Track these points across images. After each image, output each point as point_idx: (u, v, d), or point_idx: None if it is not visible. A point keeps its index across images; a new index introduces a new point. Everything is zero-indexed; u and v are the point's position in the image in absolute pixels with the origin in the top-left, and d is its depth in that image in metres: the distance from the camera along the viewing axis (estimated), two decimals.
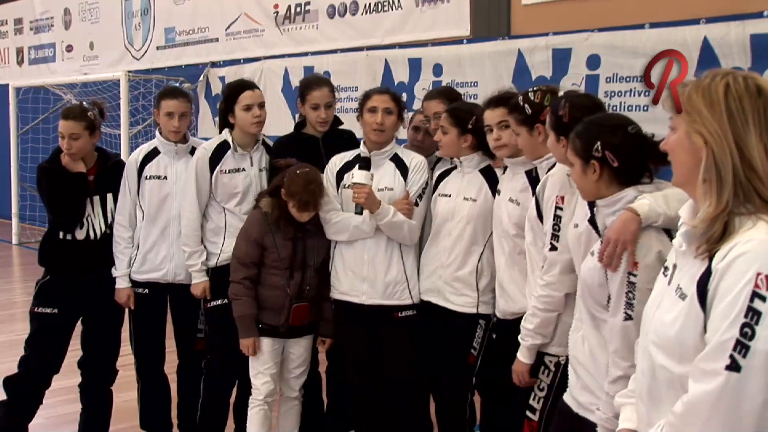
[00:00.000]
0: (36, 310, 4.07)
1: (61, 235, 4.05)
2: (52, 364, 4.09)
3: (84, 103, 4.19)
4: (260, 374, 3.80)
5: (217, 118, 4.63)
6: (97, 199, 4.10)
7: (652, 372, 1.83)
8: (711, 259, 1.67)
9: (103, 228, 4.11)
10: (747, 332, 1.56)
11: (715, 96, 1.69)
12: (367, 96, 3.78)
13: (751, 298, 1.57)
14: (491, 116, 3.34)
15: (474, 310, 3.54)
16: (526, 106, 3.07)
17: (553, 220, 2.90)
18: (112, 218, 4.13)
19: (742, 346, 1.57)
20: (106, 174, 4.15)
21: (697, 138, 1.70)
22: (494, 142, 3.34)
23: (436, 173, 3.76)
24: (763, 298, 1.57)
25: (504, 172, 3.45)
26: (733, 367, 1.57)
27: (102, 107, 4.22)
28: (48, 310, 4.04)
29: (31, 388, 4.09)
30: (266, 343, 3.79)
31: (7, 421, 4.10)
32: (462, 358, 3.56)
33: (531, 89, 3.14)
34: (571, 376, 2.66)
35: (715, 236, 1.66)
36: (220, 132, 4.06)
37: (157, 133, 4.19)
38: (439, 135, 3.60)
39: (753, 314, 1.57)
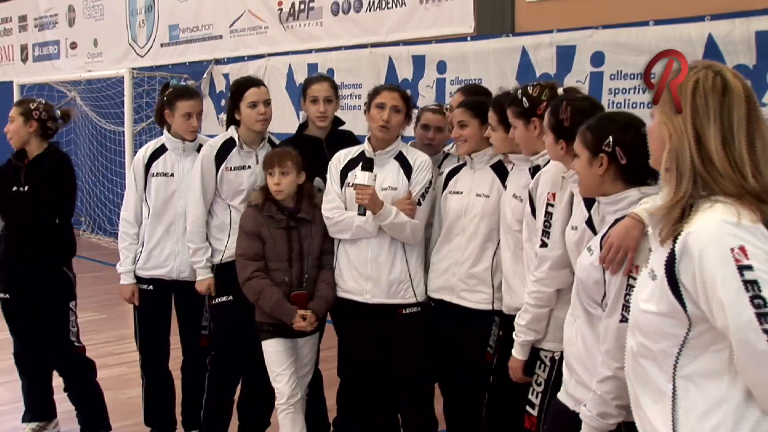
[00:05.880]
0: None
1: None
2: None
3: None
4: (279, 376, 3.75)
5: (220, 116, 4.63)
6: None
7: (632, 351, 1.90)
8: (675, 242, 1.74)
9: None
10: (759, 303, 1.61)
11: (684, 92, 1.79)
12: (376, 91, 3.74)
13: (740, 273, 1.62)
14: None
15: (489, 307, 3.52)
16: (523, 99, 3.08)
17: (544, 216, 2.92)
18: (28, 211, 4.08)
19: (763, 315, 1.60)
20: (38, 166, 4.12)
21: (664, 129, 1.81)
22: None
23: (445, 171, 3.74)
24: (749, 267, 1.62)
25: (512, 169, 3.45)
26: None
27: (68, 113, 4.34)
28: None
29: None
30: (277, 343, 3.74)
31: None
32: (478, 356, 3.54)
33: (530, 84, 3.17)
34: (565, 373, 2.66)
35: (673, 221, 1.75)
36: (227, 129, 4.07)
37: (165, 131, 4.18)
38: (457, 131, 3.57)
39: (751, 285, 1.61)
